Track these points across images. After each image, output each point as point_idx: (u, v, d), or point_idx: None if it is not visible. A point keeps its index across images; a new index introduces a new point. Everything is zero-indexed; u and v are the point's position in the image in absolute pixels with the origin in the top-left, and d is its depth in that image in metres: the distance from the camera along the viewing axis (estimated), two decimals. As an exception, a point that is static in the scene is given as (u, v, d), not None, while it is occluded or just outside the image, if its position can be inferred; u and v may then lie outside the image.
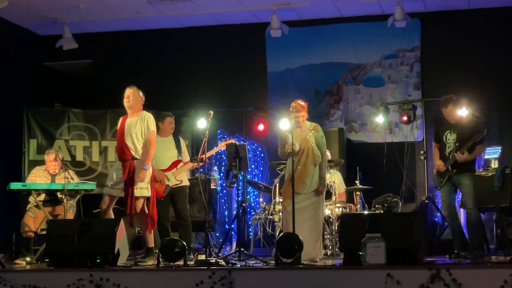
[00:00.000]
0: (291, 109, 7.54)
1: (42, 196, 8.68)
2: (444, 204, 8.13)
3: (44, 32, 11.50)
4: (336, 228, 8.57)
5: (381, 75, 10.96)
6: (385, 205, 9.15)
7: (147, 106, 10.80)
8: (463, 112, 8.26)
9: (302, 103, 7.64)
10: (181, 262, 6.75)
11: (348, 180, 9.65)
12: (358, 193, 9.35)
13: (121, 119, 7.95)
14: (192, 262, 7.08)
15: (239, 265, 6.75)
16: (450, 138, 8.06)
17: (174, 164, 8.53)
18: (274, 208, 8.92)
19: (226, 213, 10.72)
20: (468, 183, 7.93)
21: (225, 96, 11.01)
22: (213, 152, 9.09)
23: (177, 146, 8.65)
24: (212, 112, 8.22)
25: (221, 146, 8.75)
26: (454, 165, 7.95)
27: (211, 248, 8.34)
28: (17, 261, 8.24)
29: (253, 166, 10.90)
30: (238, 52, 11.33)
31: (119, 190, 7.67)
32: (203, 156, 7.81)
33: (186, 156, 8.69)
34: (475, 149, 7.94)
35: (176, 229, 8.61)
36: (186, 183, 8.57)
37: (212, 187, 10.04)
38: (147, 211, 7.73)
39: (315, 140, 7.61)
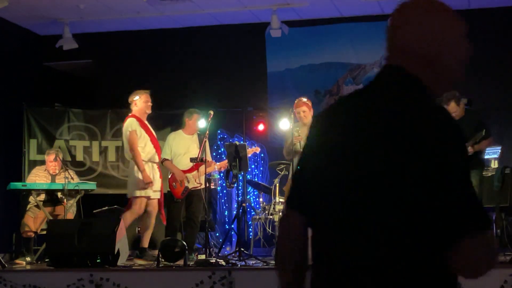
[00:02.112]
0: (294, 106, 7.69)
1: (42, 196, 8.68)
2: None
3: (44, 32, 11.50)
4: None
5: (381, 75, 10.95)
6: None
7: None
8: (463, 109, 8.17)
9: (305, 99, 7.75)
10: (181, 262, 6.75)
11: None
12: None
13: (137, 121, 7.83)
14: (192, 262, 7.08)
15: (239, 265, 6.76)
16: None
17: (196, 166, 8.36)
18: (274, 208, 8.92)
19: (226, 213, 10.71)
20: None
21: (225, 96, 11.01)
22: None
23: (200, 145, 8.45)
24: (212, 112, 8.21)
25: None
26: None
27: (211, 248, 8.34)
28: (17, 261, 8.23)
29: (253, 166, 10.90)
30: (238, 52, 11.32)
31: (158, 192, 7.82)
32: (203, 156, 7.81)
33: (208, 157, 8.40)
34: (482, 143, 7.87)
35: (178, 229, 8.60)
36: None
37: (212, 187, 10.03)
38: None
39: None
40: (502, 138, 9.87)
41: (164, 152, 8.44)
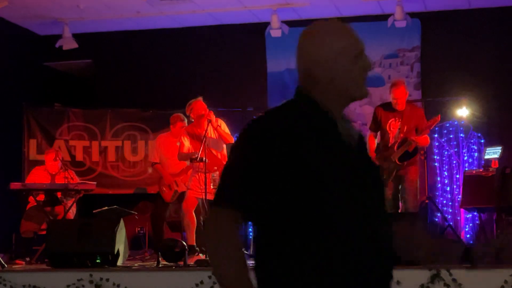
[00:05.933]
0: None
1: (42, 196, 8.68)
2: (390, 202, 7.82)
3: (44, 32, 11.49)
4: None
5: (381, 75, 10.95)
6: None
7: (147, 107, 10.84)
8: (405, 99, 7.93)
9: None
10: (181, 262, 6.75)
11: (348, 180, 9.63)
12: (358, 193, 9.32)
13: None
14: (192, 262, 7.07)
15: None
16: (395, 126, 7.82)
17: (185, 171, 8.36)
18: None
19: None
20: (414, 178, 7.82)
21: (225, 96, 11.00)
22: None
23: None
24: (212, 112, 8.20)
25: None
26: (402, 158, 7.79)
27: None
28: (17, 261, 8.23)
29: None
30: (238, 52, 11.31)
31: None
32: (203, 156, 7.80)
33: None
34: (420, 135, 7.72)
35: (177, 229, 8.58)
36: None
37: (211, 187, 10.02)
38: None
39: None
40: (502, 138, 9.87)
41: (153, 156, 8.65)
